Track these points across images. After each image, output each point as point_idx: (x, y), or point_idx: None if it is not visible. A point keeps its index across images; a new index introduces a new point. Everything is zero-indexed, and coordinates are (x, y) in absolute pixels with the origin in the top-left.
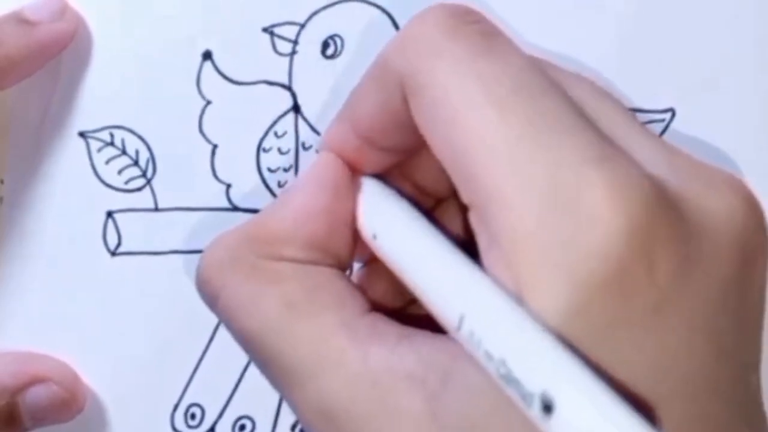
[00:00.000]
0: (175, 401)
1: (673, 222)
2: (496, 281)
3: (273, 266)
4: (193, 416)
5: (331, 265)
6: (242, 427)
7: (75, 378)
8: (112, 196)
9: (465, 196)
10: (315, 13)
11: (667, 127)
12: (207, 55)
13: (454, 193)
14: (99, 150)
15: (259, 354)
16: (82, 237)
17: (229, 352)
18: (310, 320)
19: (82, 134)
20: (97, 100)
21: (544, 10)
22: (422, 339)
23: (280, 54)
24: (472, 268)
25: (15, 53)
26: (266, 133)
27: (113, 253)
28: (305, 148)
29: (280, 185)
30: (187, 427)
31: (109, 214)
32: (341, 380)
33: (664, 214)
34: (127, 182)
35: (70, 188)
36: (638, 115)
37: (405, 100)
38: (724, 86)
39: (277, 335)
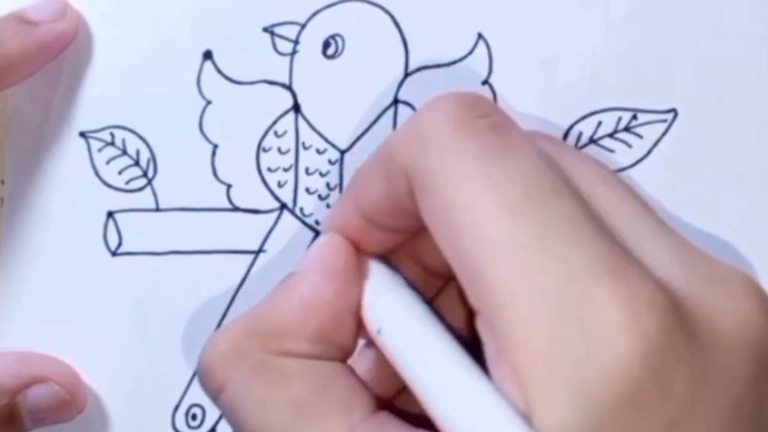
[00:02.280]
0: (176, 402)
1: (688, 339)
2: (505, 396)
3: (280, 363)
4: (194, 417)
5: (335, 357)
6: None
7: (75, 378)
8: (113, 196)
9: (473, 301)
10: (316, 12)
11: (669, 127)
12: (207, 55)
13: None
14: (100, 150)
15: None
16: (82, 237)
17: None
18: (318, 424)
19: (82, 134)
20: (98, 100)
21: (544, 10)
22: None
23: (281, 54)
24: (482, 383)
25: (16, 53)
26: (266, 133)
27: (114, 253)
28: (305, 148)
29: (279, 185)
30: (188, 428)
31: (110, 214)
32: None
33: (679, 332)
34: (127, 182)
35: (70, 188)
36: (640, 115)
37: (411, 192)
38: (727, 87)
39: None
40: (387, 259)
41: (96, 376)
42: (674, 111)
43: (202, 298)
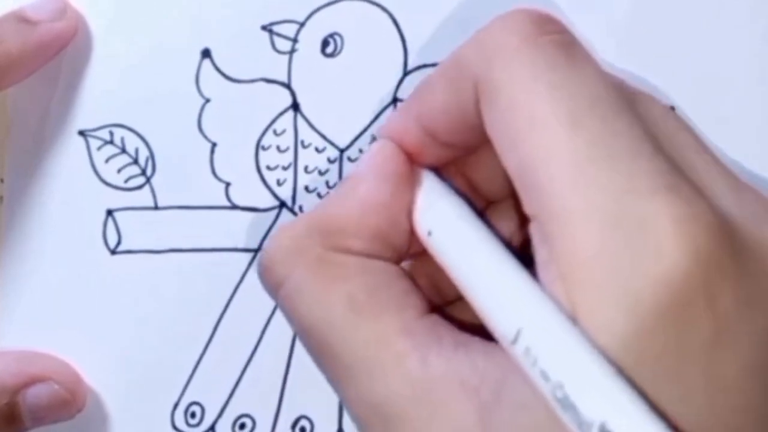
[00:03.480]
0: (175, 400)
1: (736, 259)
2: (553, 298)
3: (338, 259)
4: (193, 415)
5: (390, 258)
6: (242, 425)
7: (75, 377)
8: (112, 194)
9: (528, 207)
10: (315, 11)
11: None
12: (206, 53)
13: (506, 197)
14: (99, 148)
15: (318, 347)
16: (82, 235)
17: (229, 351)
18: (372, 321)
19: (81, 133)
20: (97, 98)
21: (545, 9)
22: (478, 348)
23: (280, 52)
24: (531, 283)
25: (15, 52)
26: (265, 131)
27: (113, 252)
28: (304, 146)
29: (278, 183)
30: (187, 426)
31: (109, 213)
32: (399, 382)
33: (728, 250)
34: (126, 180)
35: (70, 187)
36: None
37: (476, 102)
38: (725, 85)
39: (339, 333)
40: (438, 171)
41: (95, 375)
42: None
43: (201, 296)
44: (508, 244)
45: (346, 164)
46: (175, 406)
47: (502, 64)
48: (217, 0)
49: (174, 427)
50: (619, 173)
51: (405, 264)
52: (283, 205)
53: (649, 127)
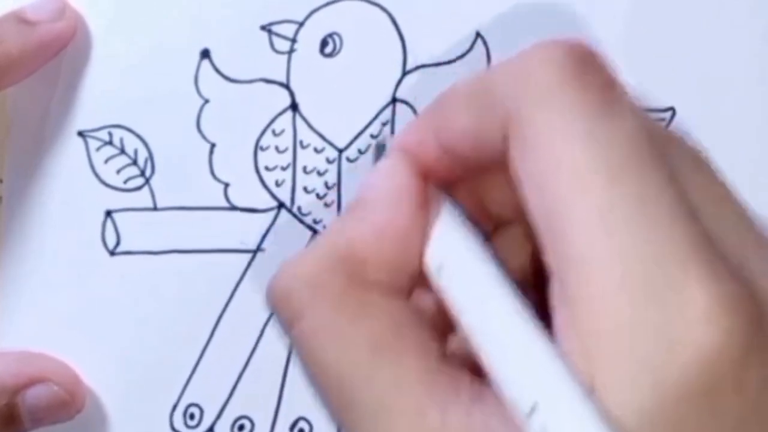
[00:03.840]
0: (173, 401)
1: (764, 338)
2: (571, 367)
3: (361, 297)
4: (191, 416)
5: (405, 290)
6: (241, 427)
7: (74, 378)
8: (111, 195)
9: (551, 263)
10: (314, 11)
11: (667, 126)
12: (205, 54)
13: (517, 221)
14: (98, 149)
15: (332, 389)
16: (81, 236)
17: (228, 352)
18: (394, 366)
19: (81, 133)
20: (96, 99)
21: (544, 9)
22: (492, 405)
23: (278, 52)
24: (550, 351)
25: (15, 52)
26: (264, 132)
27: (112, 253)
28: (303, 147)
29: (277, 184)
30: (186, 427)
31: (108, 214)
32: None
33: (760, 333)
34: (125, 181)
35: (69, 187)
36: None
37: (503, 133)
38: (725, 85)
39: (358, 375)
40: (448, 189)
41: (94, 376)
42: (672, 109)
43: (200, 297)
44: (516, 272)
45: (345, 164)
46: (174, 407)
47: (538, 102)
48: (216, 0)
49: (173, 428)
50: (653, 238)
51: None
52: (281, 205)
53: (683, 179)
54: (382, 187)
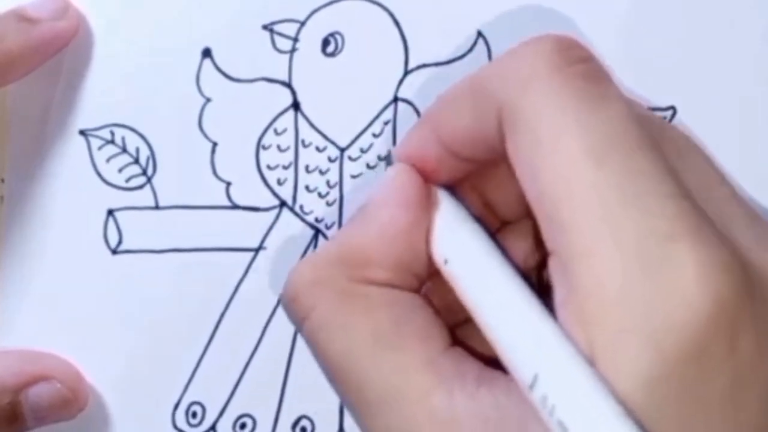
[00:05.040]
0: (176, 400)
1: (757, 304)
2: (570, 339)
3: (363, 291)
4: (194, 414)
5: (412, 286)
6: (243, 425)
7: (77, 376)
8: (113, 194)
9: (548, 241)
10: (315, 10)
11: None
12: (207, 53)
13: (522, 218)
14: (100, 148)
15: (342, 379)
16: (83, 235)
17: (229, 351)
18: (397, 353)
19: (82, 132)
20: (98, 98)
21: (544, 9)
22: (499, 384)
23: (280, 51)
24: (550, 323)
25: (16, 49)
26: (266, 131)
27: (114, 252)
28: (305, 146)
29: (279, 183)
30: (188, 426)
31: (110, 213)
32: (425, 416)
33: (749, 296)
34: (127, 180)
35: (71, 186)
36: None
37: (499, 125)
38: (726, 84)
39: (364, 365)
40: (453, 189)
41: (96, 374)
42: (673, 109)
43: (202, 295)
44: (523, 268)
45: (347, 163)
46: (176, 405)
47: (528, 93)
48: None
49: (175, 426)
50: (644, 214)
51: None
52: (283, 204)
53: (673, 162)
54: (385, 192)
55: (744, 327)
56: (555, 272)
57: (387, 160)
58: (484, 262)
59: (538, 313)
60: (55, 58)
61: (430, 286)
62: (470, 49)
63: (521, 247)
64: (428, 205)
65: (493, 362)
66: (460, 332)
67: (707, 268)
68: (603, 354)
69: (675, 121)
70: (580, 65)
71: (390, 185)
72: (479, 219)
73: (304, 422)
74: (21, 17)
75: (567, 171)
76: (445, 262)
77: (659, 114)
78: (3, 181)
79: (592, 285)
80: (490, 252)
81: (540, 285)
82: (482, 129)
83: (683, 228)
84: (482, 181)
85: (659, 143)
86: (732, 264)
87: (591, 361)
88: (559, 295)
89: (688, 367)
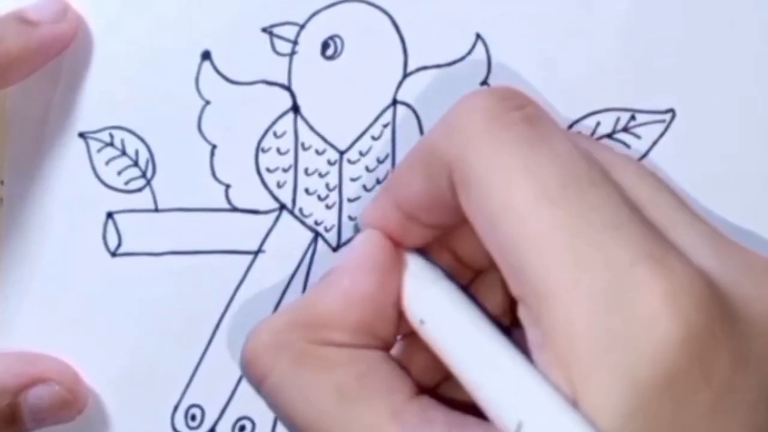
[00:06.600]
0: (175, 402)
1: (726, 324)
2: (552, 383)
3: (322, 352)
4: (193, 417)
5: (376, 347)
6: (242, 427)
7: (76, 378)
8: (112, 196)
9: (515, 290)
10: (315, 13)
11: (667, 128)
12: (206, 55)
13: (493, 266)
14: (99, 151)
15: None
16: (82, 238)
17: (229, 354)
18: (362, 409)
19: (82, 135)
20: (97, 100)
21: (542, 11)
22: (471, 429)
23: (280, 54)
24: (530, 370)
25: (15, 51)
26: (265, 133)
27: (113, 254)
28: (304, 148)
29: (279, 185)
30: (187, 428)
31: (109, 215)
32: None
33: (718, 316)
34: (127, 183)
35: (70, 189)
36: (638, 116)
37: (452, 186)
38: (726, 87)
39: (329, 423)
40: (424, 250)
41: (96, 377)
42: (672, 111)
43: (201, 298)
44: (499, 315)
45: (346, 166)
46: (176, 408)
47: (472, 148)
48: (217, 2)
49: (174, 429)
50: (600, 247)
51: (397, 344)
52: (283, 207)
53: (626, 192)
54: (350, 258)
55: (716, 348)
56: (525, 318)
57: (356, 226)
58: (460, 319)
59: (517, 361)
60: (54, 60)
61: (407, 346)
62: (469, 52)
63: (495, 293)
64: (396, 269)
65: (472, 413)
66: (443, 388)
67: (671, 293)
68: (581, 392)
69: (675, 124)
70: (518, 112)
71: (356, 251)
72: (450, 273)
73: None
74: (21, 19)
75: (522, 218)
76: (421, 322)
77: (659, 116)
78: (2, 183)
79: (561, 326)
80: (465, 308)
81: (518, 326)
82: (437, 192)
83: (643, 253)
84: (449, 237)
85: (610, 175)
86: (696, 285)
87: (574, 401)
88: (533, 339)
89: (665, 396)
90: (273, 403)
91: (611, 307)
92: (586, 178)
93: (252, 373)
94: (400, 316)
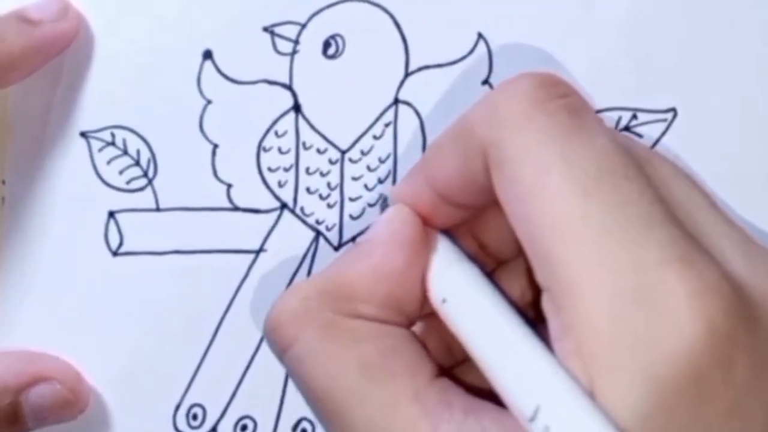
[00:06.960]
0: (177, 401)
1: (750, 328)
2: (570, 372)
3: (349, 324)
4: (195, 416)
5: (401, 323)
6: (244, 427)
7: (78, 377)
8: (114, 196)
9: (540, 277)
10: (316, 12)
11: (669, 127)
12: (207, 55)
13: (516, 256)
14: (100, 150)
15: (327, 411)
16: (83, 237)
17: (230, 353)
18: (384, 386)
19: (83, 134)
20: (99, 100)
21: (544, 10)
22: (488, 414)
23: (281, 53)
24: (549, 357)
25: (16, 51)
26: (266, 133)
27: (115, 253)
28: (306, 148)
29: (280, 185)
30: (189, 428)
31: (111, 214)
32: None
33: (742, 320)
34: (128, 182)
35: (71, 188)
36: (640, 115)
37: (486, 168)
38: (727, 86)
39: (349, 397)
40: (450, 233)
41: (97, 376)
42: (674, 110)
43: (203, 297)
44: (519, 305)
45: (348, 165)
46: (177, 407)
47: (511, 131)
48: (218, 1)
49: (176, 428)
50: (632, 244)
51: (417, 325)
52: (284, 206)
53: (659, 190)
54: (381, 233)
55: (739, 351)
56: (548, 307)
57: (382, 204)
58: (482, 300)
59: (536, 347)
60: (56, 59)
61: (425, 327)
62: (471, 51)
63: (517, 284)
64: (425, 247)
65: (486, 396)
66: (460, 371)
67: (698, 294)
68: (601, 386)
69: (676, 123)
70: (560, 100)
71: (387, 225)
72: (475, 260)
73: (305, 424)
74: (22, 19)
75: (554, 206)
76: (443, 301)
77: (660, 115)
78: (4, 182)
79: (583, 319)
80: (487, 290)
81: (538, 319)
82: (471, 172)
83: (672, 255)
84: (476, 223)
85: (645, 172)
86: (723, 288)
87: (591, 393)
88: (554, 329)
89: (685, 396)
90: (294, 372)
91: (635, 305)
92: (621, 172)
93: (276, 340)
94: (425, 295)
